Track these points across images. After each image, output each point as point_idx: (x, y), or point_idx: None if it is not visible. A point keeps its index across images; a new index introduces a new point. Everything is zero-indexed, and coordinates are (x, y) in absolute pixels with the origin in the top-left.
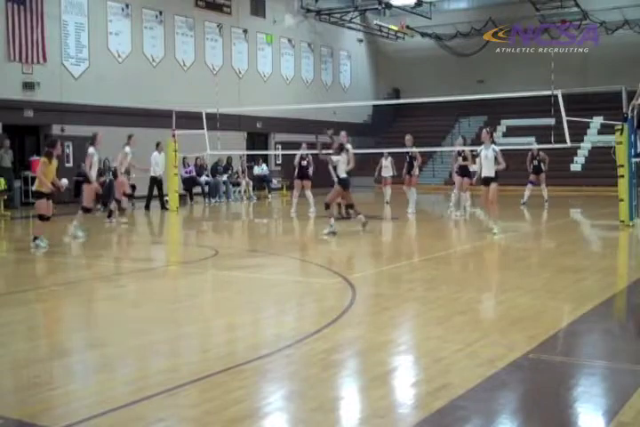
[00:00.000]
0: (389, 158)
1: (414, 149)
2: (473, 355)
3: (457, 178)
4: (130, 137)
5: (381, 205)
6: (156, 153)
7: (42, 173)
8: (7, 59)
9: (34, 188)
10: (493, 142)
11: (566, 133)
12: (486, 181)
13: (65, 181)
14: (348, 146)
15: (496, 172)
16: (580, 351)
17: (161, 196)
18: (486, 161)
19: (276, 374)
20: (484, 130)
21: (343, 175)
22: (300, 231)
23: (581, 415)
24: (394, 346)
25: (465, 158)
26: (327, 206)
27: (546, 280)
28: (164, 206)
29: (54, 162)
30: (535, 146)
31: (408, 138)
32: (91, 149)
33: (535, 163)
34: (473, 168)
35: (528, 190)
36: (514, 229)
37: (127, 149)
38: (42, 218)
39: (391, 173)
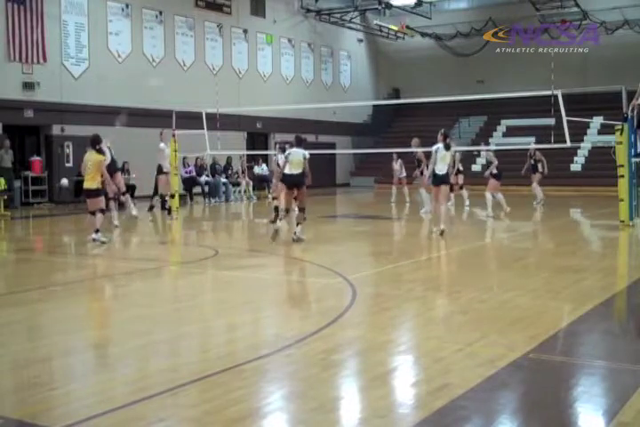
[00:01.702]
0: (399, 161)
1: (418, 149)
2: (473, 355)
3: (491, 180)
4: (160, 133)
5: (387, 205)
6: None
7: (104, 171)
8: (7, 59)
9: (93, 186)
10: (446, 146)
11: (566, 133)
12: None
13: (65, 181)
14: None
15: (433, 172)
16: (580, 351)
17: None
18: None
19: (275, 374)
20: (440, 132)
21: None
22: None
23: (581, 415)
24: (394, 346)
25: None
26: (287, 211)
27: (546, 280)
28: (163, 206)
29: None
30: (532, 146)
31: (414, 140)
32: (161, 145)
33: (532, 162)
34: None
35: (534, 189)
36: (513, 228)
37: (161, 145)
38: (99, 212)
39: (404, 174)
